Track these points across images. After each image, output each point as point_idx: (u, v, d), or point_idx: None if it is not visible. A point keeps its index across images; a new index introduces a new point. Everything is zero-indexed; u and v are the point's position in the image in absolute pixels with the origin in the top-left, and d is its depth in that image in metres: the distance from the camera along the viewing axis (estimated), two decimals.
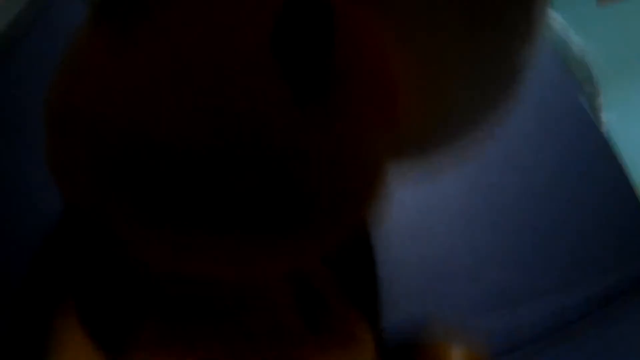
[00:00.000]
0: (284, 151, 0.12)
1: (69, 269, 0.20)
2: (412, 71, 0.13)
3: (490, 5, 0.13)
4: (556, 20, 0.41)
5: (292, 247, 0.13)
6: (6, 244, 0.21)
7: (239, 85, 0.11)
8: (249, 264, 0.13)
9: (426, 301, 0.23)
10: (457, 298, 0.23)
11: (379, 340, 0.19)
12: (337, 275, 0.19)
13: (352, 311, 0.20)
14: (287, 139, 0.12)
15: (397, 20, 0.13)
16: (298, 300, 0.17)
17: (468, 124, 0.16)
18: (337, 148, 0.12)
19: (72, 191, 0.13)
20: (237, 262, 0.13)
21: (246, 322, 0.16)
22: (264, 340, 0.16)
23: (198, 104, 0.11)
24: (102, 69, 0.12)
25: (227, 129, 0.11)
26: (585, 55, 0.40)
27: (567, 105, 0.30)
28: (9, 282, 0.20)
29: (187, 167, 0.11)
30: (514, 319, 0.23)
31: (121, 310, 0.16)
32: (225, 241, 0.12)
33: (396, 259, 0.22)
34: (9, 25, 0.30)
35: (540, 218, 0.25)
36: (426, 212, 0.23)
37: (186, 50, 0.11)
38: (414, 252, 0.23)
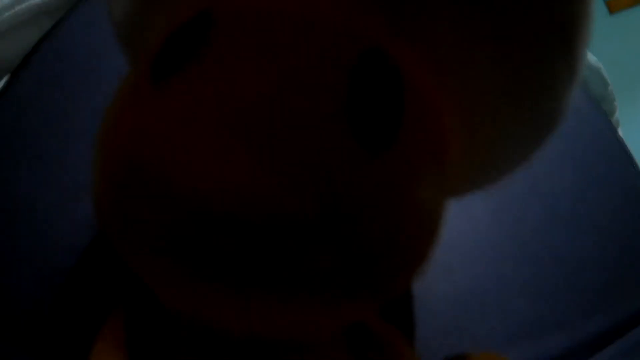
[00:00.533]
0: (354, 207, 0.11)
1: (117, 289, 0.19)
2: (459, 110, 0.13)
3: (534, 50, 0.13)
4: None
5: (353, 308, 0.12)
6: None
7: (308, 138, 0.10)
8: (308, 327, 0.12)
9: (454, 336, 0.22)
10: (484, 331, 0.23)
11: None
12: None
13: (397, 336, 0.19)
14: (359, 194, 0.11)
15: (447, 68, 0.13)
16: (349, 342, 0.17)
17: (508, 164, 0.16)
18: (401, 201, 0.12)
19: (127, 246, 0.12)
20: (296, 325, 0.12)
21: None
22: None
23: (263, 159, 0.10)
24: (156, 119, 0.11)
25: (296, 187, 0.10)
26: (600, 71, 0.40)
27: (589, 129, 0.30)
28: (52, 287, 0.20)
29: (252, 231, 0.10)
30: (542, 349, 0.23)
31: (161, 345, 0.15)
32: (286, 304, 0.11)
33: (423, 296, 0.22)
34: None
35: (566, 247, 0.25)
36: (449, 245, 0.23)
37: (243, 96, 0.10)
38: (440, 287, 0.23)
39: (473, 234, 0.24)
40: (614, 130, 0.31)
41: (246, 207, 0.10)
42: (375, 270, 0.12)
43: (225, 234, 0.10)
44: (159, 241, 0.11)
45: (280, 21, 0.11)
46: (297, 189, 0.10)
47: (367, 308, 0.13)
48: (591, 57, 0.39)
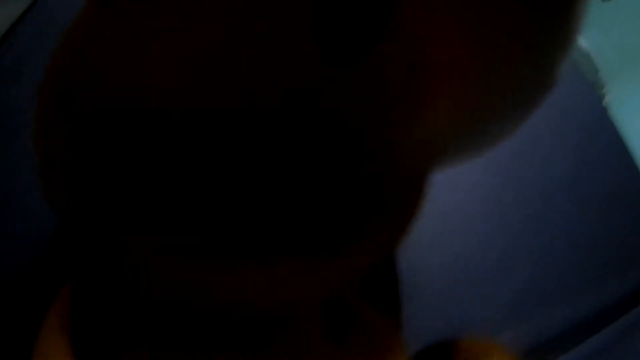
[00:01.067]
0: (315, 115, 0.10)
1: (64, 272, 0.19)
2: (454, 73, 0.13)
3: (532, 16, 0.13)
4: None
5: (328, 273, 0.12)
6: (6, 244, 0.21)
7: (269, 45, 0.10)
8: (279, 292, 0.11)
9: (453, 305, 0.22)
10: (483, 300, 0.23)
11: (406, 345, 0.19)
12: (362, 284, 0.18)
13: (379, 318, 0.19)
14: (318, 101, 0.10)
15: (450, 20, 0.12)
16: (324, 313, 0.16)
17: (498, 129, 0.16)
18: (372, 116, 0.11)
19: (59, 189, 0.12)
20: (266, 289, 0.11)
21: (272, 346, 0.14)
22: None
23: (215, 60, 0.10)
24: (98, 29, 0.11)
25: (250, 88, 0.10)
26: (592, 52, 0.40)
27: (581, 102, 0.30)
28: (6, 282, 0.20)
29: (201, 139, 0.10)
30: (544, 317, 0.23)
31: (112, 328, 0.15)
32: (250, 261, 0.10)
33: (418, 266, 0.22)
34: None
35: (564, 212, 0.25)
36: (444, 216, 0.23)
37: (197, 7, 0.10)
38: (435, 257, 0.23)
39: (466, 204, 0.24)
40: (605, 112, 0.31)
41: (193, 101, 0.10)
42: (350, 207, 0.11)
43: (174, 136, 0.10)
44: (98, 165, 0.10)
45: None
46: (250, 86, 0.10)
47: (345, 277, 0.12)
48: (582, 43, 0.40)
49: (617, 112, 0.45)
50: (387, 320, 0.19)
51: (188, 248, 0.10)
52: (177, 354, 0.14)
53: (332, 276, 0.12)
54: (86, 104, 0.11)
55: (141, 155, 0.10)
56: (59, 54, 0.12)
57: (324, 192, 0.11)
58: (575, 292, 0.24)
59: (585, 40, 0.42)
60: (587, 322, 0.24)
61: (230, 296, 0.11)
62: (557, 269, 0.24)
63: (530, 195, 0.26)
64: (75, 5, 0.26)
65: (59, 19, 0.26)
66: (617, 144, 0.30)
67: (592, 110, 0.32)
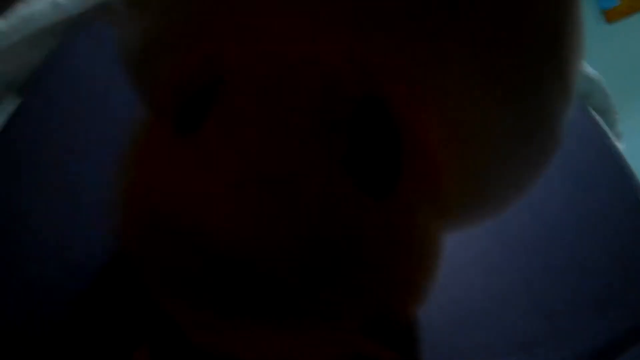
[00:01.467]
0: (357, 249, 0.12)
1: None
2: (454, 145, 0.14)
3: (524, 73, 0.13)
4: None
5: (343, 340, 0.13)
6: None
7: (312, 188, 0.11)
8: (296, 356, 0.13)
9: (445, 346, 0.22)
10: (478, 346, 0.23)
11: None
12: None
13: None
14: (360, 237, 0.12)
15: (439, 100, 0.13)
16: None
17: (507, 189, 0.16)
18: (401, 239, 0.12)
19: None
20: (284, 354, 0.13)
21: None
22: None
23: (266, 205, 0.11)
24: (169, 170, 0.12)
25: (296, 227, 0.11)
26: (601, 83, 0.40)
27: (579, 137, 0.30)
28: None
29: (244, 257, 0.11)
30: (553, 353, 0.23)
31: None
32: (273, 331, 0.12)
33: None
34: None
35: (559, 258, 0.25)
36: (446, 262, 0.23)
37: (254, 152, 0.11)
38: (433, 302, 0.23)
39: (465, 248, 0.24)
40: (606, 137, 0.31)
41: (261, 254, 0.11)
42: (374, 302, 0.13)
43: (242, 277, 0.11)
44: (184, 282, 0.12)
45: (284, 75, 0.12)
46: (302, 238, 0.11)
47: (357, 341, 0.13)
48: (591, 70, 0.39)
49: (627, 137, 0.45)
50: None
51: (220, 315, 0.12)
52: None
53: (353, 343, 0.14)
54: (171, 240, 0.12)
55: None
56: (136, 185, 0.13)
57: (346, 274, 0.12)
58: (580, 327, 0.24)
59: (594, 65, 0.41)
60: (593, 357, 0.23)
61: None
62: (553, 311, 0.24)
63: (532, 237, 0.26)
64: (93, 63, 0.27)
65: (83, 66, 0.27)
66: (619, 168, 0.30)
67: (591, 134, 0.31)
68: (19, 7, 0.32)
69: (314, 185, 0.11)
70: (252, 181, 0.11)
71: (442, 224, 0.14)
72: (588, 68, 0.39)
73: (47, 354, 0.19)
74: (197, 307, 0.12)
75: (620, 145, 0.42)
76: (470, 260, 0.24)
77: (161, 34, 0.14)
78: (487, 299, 0.23)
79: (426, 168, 0.13)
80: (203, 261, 0.12)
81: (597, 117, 0.34)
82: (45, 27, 0.31)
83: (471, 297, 0.23)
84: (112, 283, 0.20)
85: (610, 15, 1.10)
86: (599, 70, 0.42)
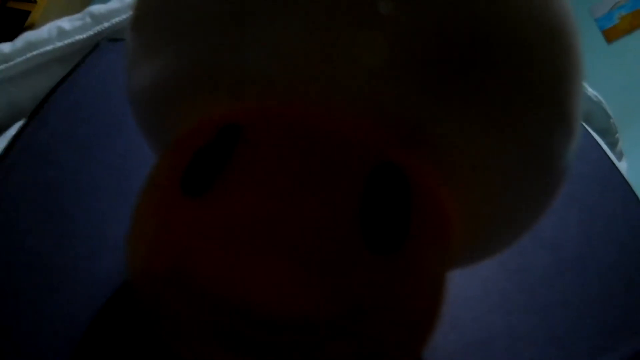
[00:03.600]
0: (368, 304, 0.12)
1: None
2: (463, 195, 0.14)
3: (532, 123, 0.13)
4: None
5: None
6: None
7: (326, 242, 0.12)
8: None
9: None
10: None
11: None
12: None
13: None
14: (371, 293, 0.12)
15: (451, 157, 0.13)
16: None
17: (515, 228, 0.16)
18: (409, 293, 0.13)
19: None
20: None
21: None
22: None
23: (285, 263, 0.11)
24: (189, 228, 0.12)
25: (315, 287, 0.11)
26: (602, 105, 0.40)
27: (590, 169, 0.30)
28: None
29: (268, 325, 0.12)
30: None
31: None
32: None
33: (430, 350, 0.22)
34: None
35: (572, 291, 0.25)
36: (455, 297, 0.23)
37: (271, 206, 0.12)
38: (450, 339, 0.23)
39: (479, 284, 0.24)
40: (614, 167, 0.31)
41: (280, 311, 0.11)
42: (387, 352, 0.13)
43: (262, 331, 0.12)
44: (200, 336, 0.12)
45: (302, 140, 0.12)
46: (317, 293, 0.11)
47: None
48: (592, 92, 0.40)
49: (629, 157, 0.45)
50: None
51: None
52: None
53: None
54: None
55: None
56: (150, 242, 0.13)
57: None
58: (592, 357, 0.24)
59: (595, 84, 0.41)
60: None
61: None
62: (566, 342, 0.24)
63: (546, 273, 0.26)
64: (100, 91, 0.27)
65: (90, 96, 0.27)
66: (629, 197, 0.30)
67: (601, 164, 0.31)
68: (26, 33, 0.32)
69: (330, 244, 0.12)
70: (267, 242, 0.11)
71: (450, 266, 0.14)
72: (589, 89, 0.40)
73: None
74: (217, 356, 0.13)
75: (623, 165, 0.42)
76: (484, 298, 0.24)
77: (172, 78, 0.14)
78: (502, 336, 0.23)
79: (437, 221, 0.13)
80: (223, 316, 0.12)
81: (598, 139, 0.34)
82: (50, 52, 0.31)
83: (486, 334, 0.23)
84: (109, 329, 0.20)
85: (610, 35, 1.11)
86: (600, 89, 0.42)
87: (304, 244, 0.11)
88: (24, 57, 0.32)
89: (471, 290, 0.24)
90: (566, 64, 0.13)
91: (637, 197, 0.30)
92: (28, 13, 0.96)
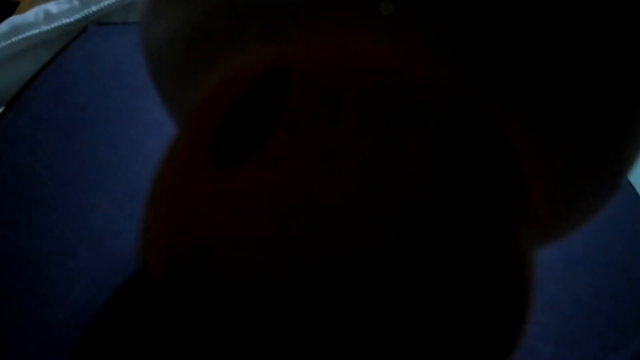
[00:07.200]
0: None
1: None
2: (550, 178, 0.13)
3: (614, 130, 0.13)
4: None
5: None
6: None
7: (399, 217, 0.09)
8: None
9: None
10: None
11: None
12: None
13: None
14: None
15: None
16: None
17: (581, 219, 0.16)
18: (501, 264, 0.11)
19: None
20: None
21: None
22: None
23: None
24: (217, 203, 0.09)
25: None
26: None
27: None
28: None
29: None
30: None
31: None
32: None
33: None
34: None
35: (583, 288, 0.25)
36: None
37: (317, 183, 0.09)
38: None
39: None
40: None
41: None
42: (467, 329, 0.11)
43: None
44: (221, 329, 0.10)
45: (362, 89, 0.09)
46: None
47: None
48: None
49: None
50: None
51: None
52: None
53: None
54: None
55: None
56: (174, 221, 0.11)
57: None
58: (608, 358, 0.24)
59: None
60: None
61: None
62: (581, 339, 0.24)
63: (560, 272, 0.26)
64: (85, 76, 0.26)
65: (71, 83, 0.26)
66: (634, 197, 0.30)
67: None
68: (12, 17, 0.32)
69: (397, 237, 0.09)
70: (315, 227, 0.09)
71: (533, 244, 0.13)
72: None
73: None
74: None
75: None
76: None
77: (204, 22, 0.12)
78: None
79: (531, 196, 0.12)
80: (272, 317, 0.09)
81: None
82: (37, 36, 0.30)
83: None
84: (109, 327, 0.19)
85: None
86: None
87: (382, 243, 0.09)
88: (8, 41, 0.31)
89: None
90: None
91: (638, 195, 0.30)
92: (16, 4, 0.95)
